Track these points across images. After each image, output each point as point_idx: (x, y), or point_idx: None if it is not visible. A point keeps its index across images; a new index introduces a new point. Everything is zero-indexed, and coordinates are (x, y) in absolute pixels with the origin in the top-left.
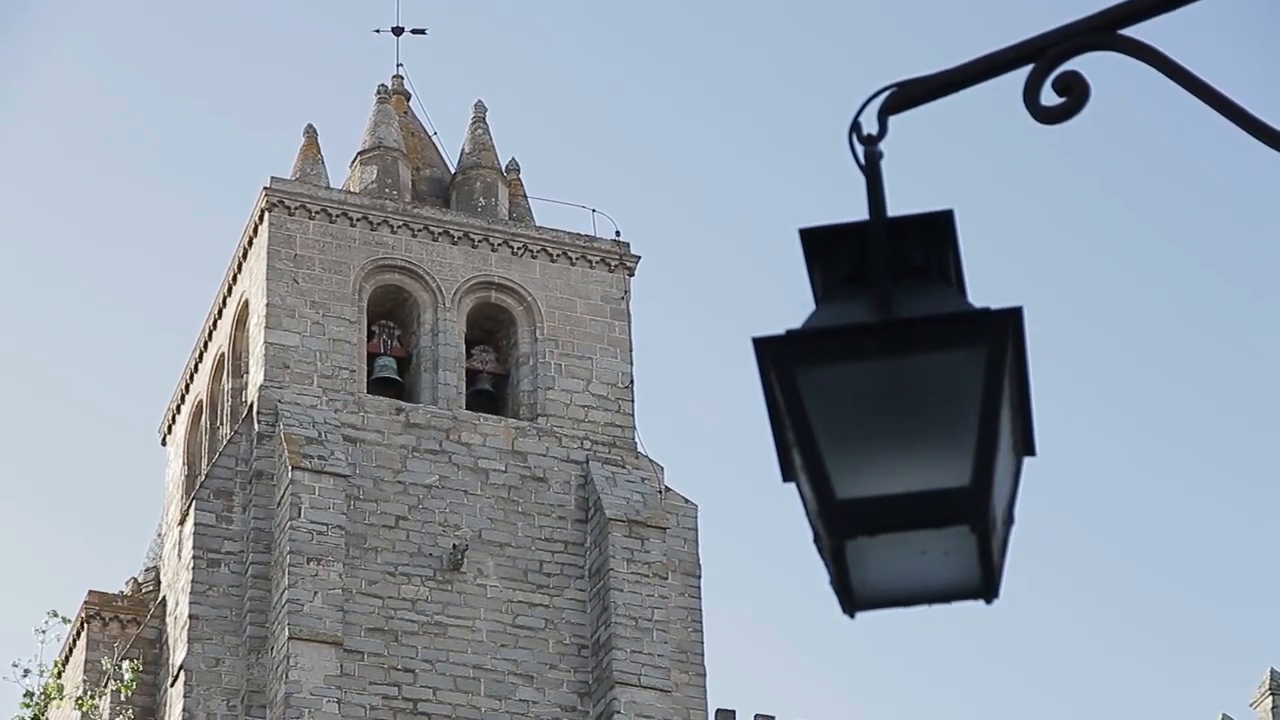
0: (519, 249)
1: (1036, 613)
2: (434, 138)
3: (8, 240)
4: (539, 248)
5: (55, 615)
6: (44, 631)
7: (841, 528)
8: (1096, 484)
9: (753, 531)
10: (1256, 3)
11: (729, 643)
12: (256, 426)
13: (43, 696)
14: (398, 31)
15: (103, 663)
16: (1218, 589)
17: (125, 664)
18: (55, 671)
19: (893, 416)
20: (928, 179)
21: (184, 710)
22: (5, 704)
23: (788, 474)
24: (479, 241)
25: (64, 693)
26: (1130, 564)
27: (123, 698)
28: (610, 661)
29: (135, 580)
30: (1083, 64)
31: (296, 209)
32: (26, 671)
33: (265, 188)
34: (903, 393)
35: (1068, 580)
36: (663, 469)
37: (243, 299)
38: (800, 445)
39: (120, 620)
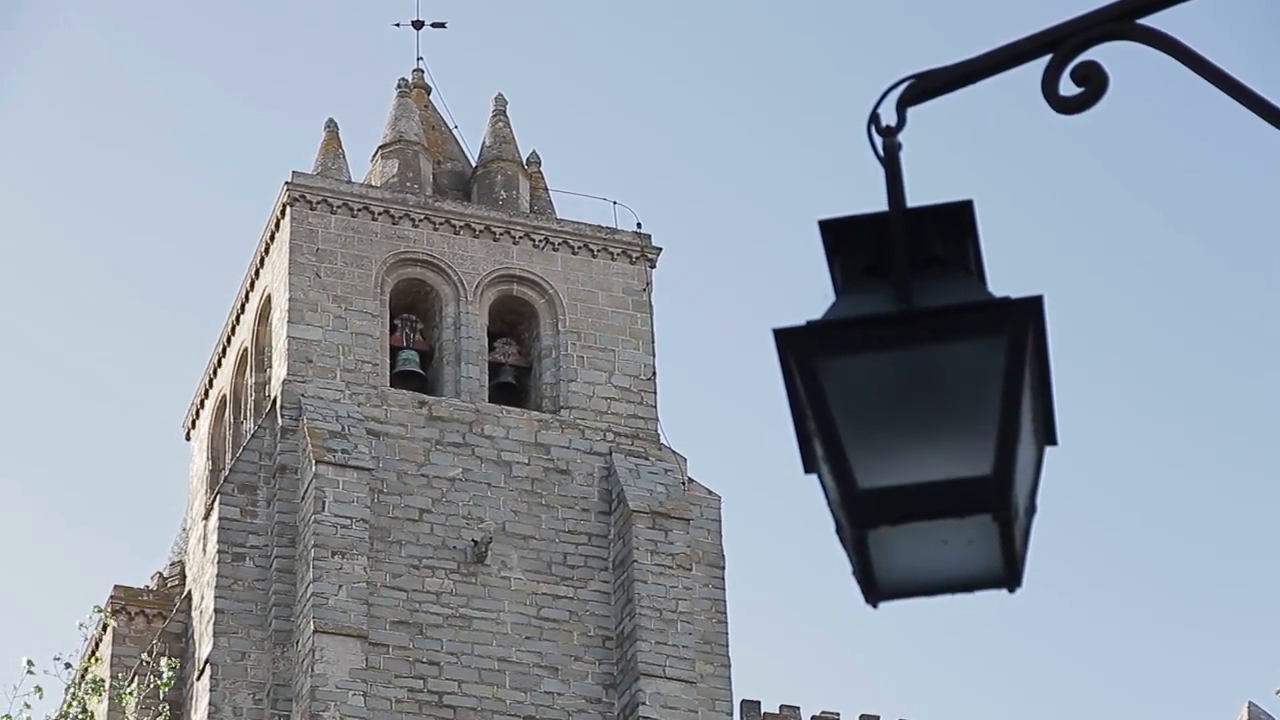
0: (540, 242)
1: (1062, 602)
2: (455, 131)
3: (30, 233)
4: (560, 240)
5: (99, 610)
6: (85, 626)
7: (864, 518)
8: (1119, 473)
9: (777, 522)
10: None
11: (753, 634)
12: (280, 421)
13: (73, 690)
14: (418, 25)
15: (142, 659)
16: (1243, 577)
17: (164, 660)
18: (84, 665)
19: (914, 406)
20: (946, 170)
21: (210, 704)
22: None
23: (810, 465)
24: (500, 234)
25: (105, 687)
26: (1155, 552)
27: (161, 695)
28: (635, 653)
29: (160, 575)
30: (1101, 54)
31: (318, 203)
32: (68, 665)
33: (287, 182)
34: (924, 382)
35: (1093, 569)
36: (686, 460)
37: (265, 293)
38: (822, 436)
39: (146, 615)
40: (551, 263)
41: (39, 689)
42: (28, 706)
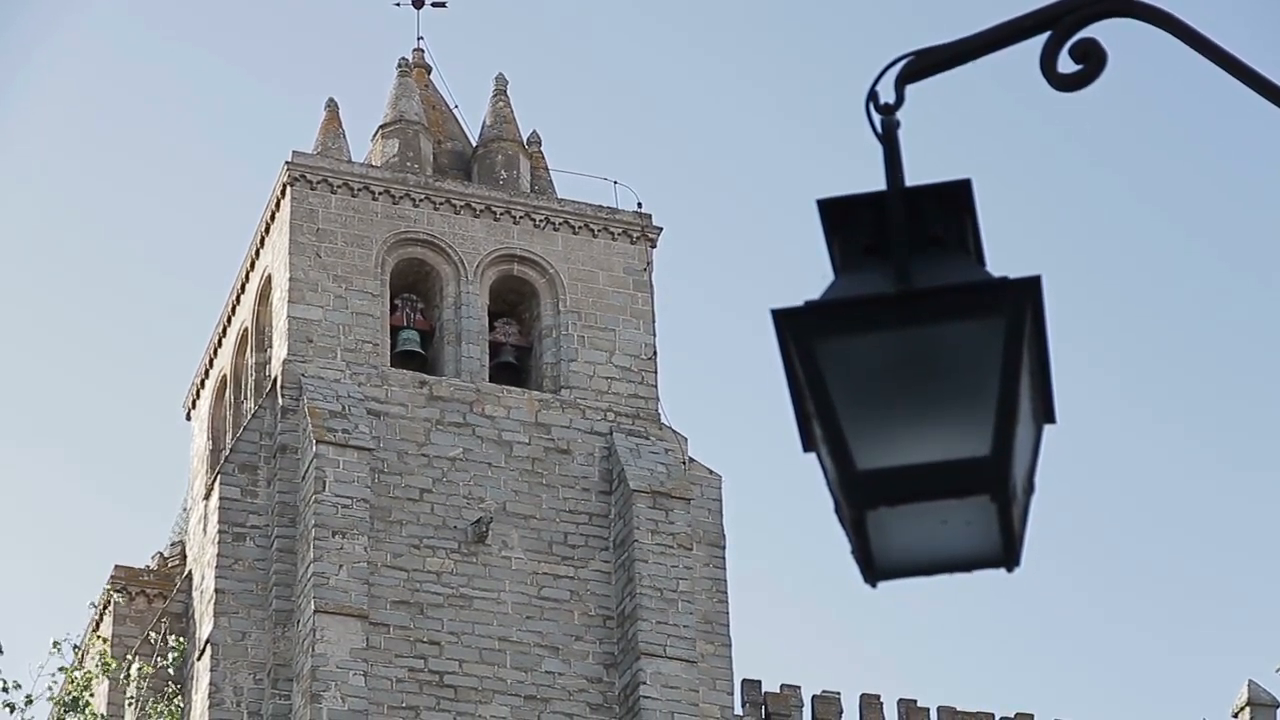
0: (541, 221)
1: (1061, 581)
2: (455, 111)
3: (31, 214)
4: (561, 220)
5: (108, 588)
6: (95, 606)
7: (862, 498)
8: (1118, 454)
9: (777, 501)
10: None
11: (754, 613)
12: (280, 400)
13: (82, 672)
14: (418, 4)
15: (150, 635)
16: (1245, 559)
17: (171, 639)
18: (87, 643)
19: (912, 387)
20: (945, 150)
21: (211, 684)
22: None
23: (809, 444)
24: (501, 214)
25: (109, 669)
26: (1156, 533)
27: (170, 671)
28: (636, 632)
29: (161, 554)
30: (1100, 31)
31: (318, 183)
32: (76, 646)
33: (287, 162)
34: (922, 363)
35: (1092, 549)
36: (686, 440)
37: (265, 273)
38: (820, 416)
39: (146, 595)
40: (552, 242)
41: (64, 669)
42: (51, 687)
